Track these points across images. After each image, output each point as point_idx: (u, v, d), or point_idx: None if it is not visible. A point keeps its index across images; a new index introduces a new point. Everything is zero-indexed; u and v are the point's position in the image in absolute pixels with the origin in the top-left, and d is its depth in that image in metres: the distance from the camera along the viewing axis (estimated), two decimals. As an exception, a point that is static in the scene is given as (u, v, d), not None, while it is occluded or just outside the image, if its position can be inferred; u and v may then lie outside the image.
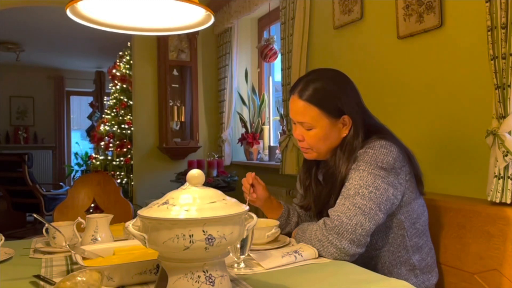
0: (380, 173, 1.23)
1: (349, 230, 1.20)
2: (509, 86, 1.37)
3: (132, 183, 4.31)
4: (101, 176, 2.36)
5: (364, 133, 1.34)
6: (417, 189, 1.36)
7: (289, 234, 1.48)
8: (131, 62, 4.53)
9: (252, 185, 1.47)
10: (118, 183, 3.86)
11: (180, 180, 3.60)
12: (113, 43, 5.58)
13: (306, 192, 1.49)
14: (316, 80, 1.36)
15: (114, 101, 5.08)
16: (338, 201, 1.26)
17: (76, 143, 8.74)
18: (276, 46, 3.41)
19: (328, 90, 1.34)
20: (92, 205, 2.26)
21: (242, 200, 1.46)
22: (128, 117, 4.78)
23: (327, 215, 1.27)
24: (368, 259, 1.33)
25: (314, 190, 1.45)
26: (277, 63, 3.51)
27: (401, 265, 1.33)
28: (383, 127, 1.41)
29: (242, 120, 3.86)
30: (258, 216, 0.92)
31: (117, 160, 4.76)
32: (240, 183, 3.92)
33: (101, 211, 2.19)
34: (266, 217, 1.49)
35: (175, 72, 4.12)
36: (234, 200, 0.84)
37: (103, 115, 5.47)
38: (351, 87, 1.39)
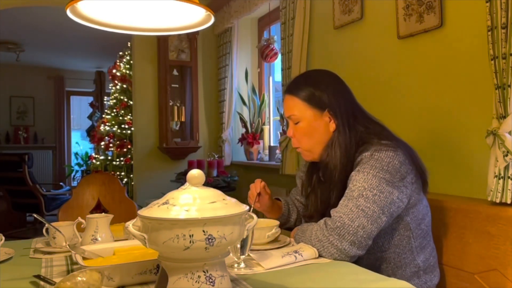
0: (386, 176, 1.23)
1: (351, 232, 1.19)
2: (509, 86, 1.37)
3: (132, 183, 4.31)
4: (105, 176, 2.37)
5: (356, 130, 1.35)
6: (422, 190, 1.35)
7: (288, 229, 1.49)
8: (131, 62, 4.52)
9: (258, 194, 1.48)
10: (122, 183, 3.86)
11: (180, 180, 3.60)
12: (113, 43, 5.58)
13: (308, 200, 1.50)
14: (304, 76, 1.48)
15: (114, 101, 5.07)
16: (341, 202, 1.26)
17: (76, 143, 8.75)
18: (276, 46, 3.41)
19: (312, 83, 1.39)
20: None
21: (242, 200, 1.47)
22: (128, 117, 4.78)
23: (329, 216, 1.26)
24: (374, 260, 1.33)
25: (313, 200, 1.46)
26: (277, 63, 3.51)
27: (406, 267, 1.33)
28: (382, 125, 1.40)
29: (242, 120, 3.86)
30: (258, 216, 0.92)
31: (117, 160, 4.75)
32: (240, 183, 3.89)
33: (101, 211, 2.19)
34: (266, 217, 1.50)
35: (175, 72, 4.13)
36: (234, 200, 0.84)
37: (103, 115, 5.46)
38: (338, 83, 1.43)
